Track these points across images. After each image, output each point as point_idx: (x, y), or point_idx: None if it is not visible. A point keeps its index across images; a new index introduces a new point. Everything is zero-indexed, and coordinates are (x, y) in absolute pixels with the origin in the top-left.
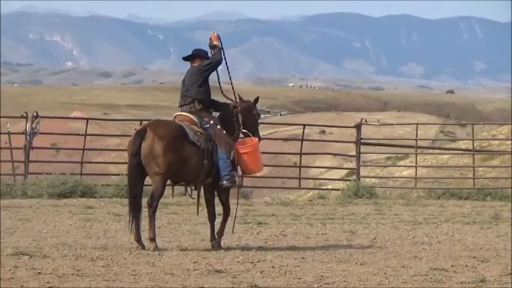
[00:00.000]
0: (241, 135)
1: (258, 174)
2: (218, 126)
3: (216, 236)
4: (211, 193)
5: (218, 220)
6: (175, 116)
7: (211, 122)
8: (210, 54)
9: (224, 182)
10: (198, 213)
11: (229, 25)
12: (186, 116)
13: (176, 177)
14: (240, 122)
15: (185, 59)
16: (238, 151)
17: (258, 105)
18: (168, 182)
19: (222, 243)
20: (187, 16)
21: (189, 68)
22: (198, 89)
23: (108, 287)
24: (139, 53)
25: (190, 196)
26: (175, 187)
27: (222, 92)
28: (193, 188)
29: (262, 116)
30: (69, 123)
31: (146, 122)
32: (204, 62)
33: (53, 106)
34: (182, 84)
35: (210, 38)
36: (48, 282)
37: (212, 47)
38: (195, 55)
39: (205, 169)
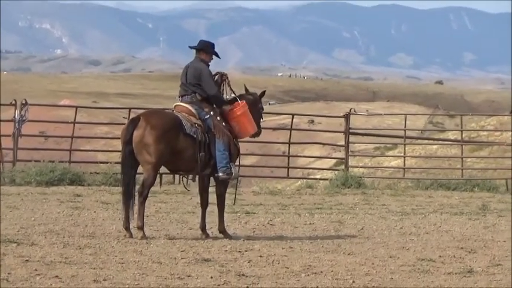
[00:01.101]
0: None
1: (246, 163)
2: (218, 118)
3: (205, 225)
4: (207, 182)
5: (210, 208)
6: (175, 106)
7: (212, 113)
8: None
9: (220, 173)
10: (202, 206)
11: (219, 14)
12: (185, 107)
13: (172, 166)
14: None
15: (191, 47)
16: (234, 114)
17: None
18: (167, 170)
19: (210, 232)
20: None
21: (193, 59)
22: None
23: (96, 274)
24: (129, 41)
25: (185, 187)
26: (163, 176)
27: (229, 85)
28: (190, 178)
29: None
30: (58, 110)
31: (135, 110)
32: (208, 82)
33: (42, 94)
34: (183, 74)
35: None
36: (35, 270)
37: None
38: (201, 50)
39: (202, 161)
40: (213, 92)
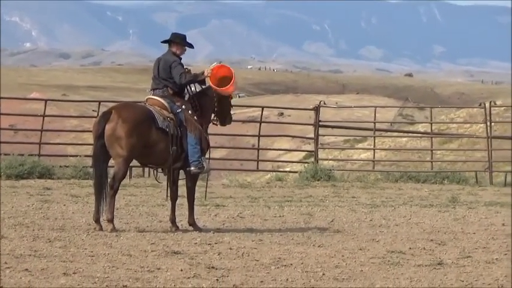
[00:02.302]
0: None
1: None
2: (189, 111)
3: (175, 218)
4: (177, 175)
5: (180, 201)
6: (147, 99)
7: (183, 106)
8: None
9: (192, 168)
10: (167, 199)
11: (189, 7)
12: (157, 100)
13: (143, 160)
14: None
15: (163, 42)
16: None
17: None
18: (137, 163)
19: (180, 224)
20: None
21: (166, 52)
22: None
23: (66, 267)
24: (99, 35)
25: (156, 180)
26: (133, 169)
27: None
28: (160, 171)
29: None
30: (28, 104)
31: (104, 103)
32: (176, 67)
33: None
34: (155, 67)
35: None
36: (5, 263)
37: (194, 76)
38: (173, 41)
39: (174, 154)
40: (183, 81)
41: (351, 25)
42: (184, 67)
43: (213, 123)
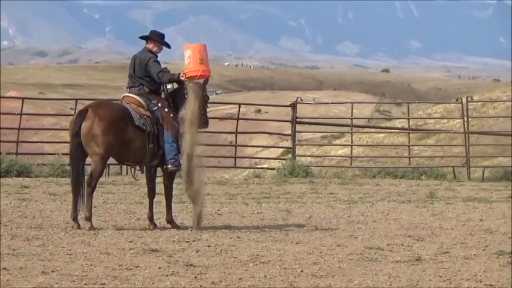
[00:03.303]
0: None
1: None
2: (166, 109)
3: (153, 215)
4: (154, 172)
5: (157, 199)
6: (123, 97)
7: (159, 104)
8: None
9: (169, 165)
10: (149, 197)
11: (165, 3)
12: (133, 98)
13: (120, 158)
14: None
15: (141, 38)
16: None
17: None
18: (114, 161)
19: (157, 222)
20: None
21: (142, 49)
22: (145, 78)
23: (44, 266)
24: (75, 32)
25: (133, 177)
26: (110, 166)
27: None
28: (138, 169)
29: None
30: (5, 102)
31: (82, 101)
32: (153, 65)
33: None
34: (131, 65)
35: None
36: None
37: (173, 77)
38: (150, 38)
39: (151, 152)
40: (162, 79)
41: (328, 21)
42: (162, 66)
43: None
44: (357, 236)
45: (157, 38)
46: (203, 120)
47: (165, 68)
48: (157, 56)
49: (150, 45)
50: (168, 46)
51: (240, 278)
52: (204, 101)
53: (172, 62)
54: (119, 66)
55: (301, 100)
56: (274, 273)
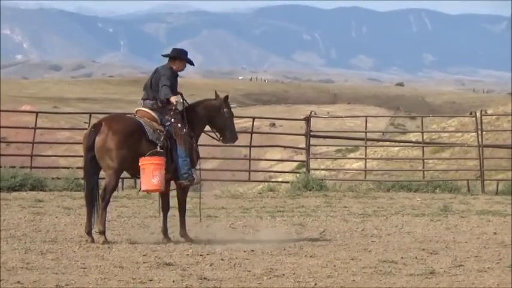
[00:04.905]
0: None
1: (207, 167)
2: (179, 125)
3: (167, 229)
4: (168, 186)
5: (171, 212)
6: (136, 111)
7: (172, 120)
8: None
9: (183, 180)
10: (159, 213)
11: (180, 17)
12: (147, 112)
13: (133, 172)
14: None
15: (164, 56)
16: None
17: None
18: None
19: (171, 236)
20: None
21: (165, 65)
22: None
23: (58, 280)
24: (89, 46)
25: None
26: (125, 180)
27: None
28: None
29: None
30: (19, 116)
31: (96, 115)
32: (162, 79)
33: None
34: (150, 77)
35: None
36: None
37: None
38: (175, 57)
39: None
40: (161, 96)
41: (342, 35)
42: (177, 85)
43: (217, 140)
44: (371, 250)
45: (181, 56)
46: (231, 137)
47: (179, 92)
48: (177, 75)
49: (175, 66)
50: (192, 63)
51: None
52: (224, 117)
53: (187, 76)
54: (133, 80)
55: (316, 114)
56: (288, 286)
